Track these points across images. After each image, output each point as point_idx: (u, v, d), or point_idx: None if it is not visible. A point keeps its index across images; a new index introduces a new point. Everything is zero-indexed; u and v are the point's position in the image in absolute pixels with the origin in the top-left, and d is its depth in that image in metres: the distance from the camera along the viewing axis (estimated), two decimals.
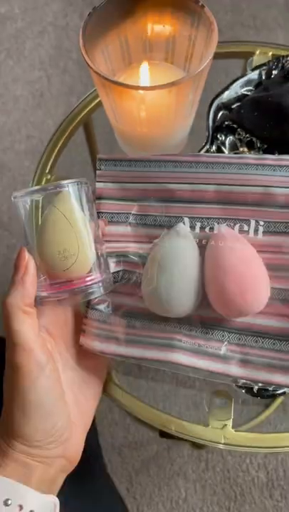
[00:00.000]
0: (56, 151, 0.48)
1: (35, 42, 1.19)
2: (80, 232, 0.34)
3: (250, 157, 0.38)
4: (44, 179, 0.47)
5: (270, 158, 0.37)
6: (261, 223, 0.37)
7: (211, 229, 0.37)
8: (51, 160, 0.47)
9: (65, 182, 0.34)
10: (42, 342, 0.34)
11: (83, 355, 0.38)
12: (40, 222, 0.34)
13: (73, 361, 0.38)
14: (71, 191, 0.34)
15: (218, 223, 0.37)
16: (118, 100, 0.37)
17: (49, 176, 0.47)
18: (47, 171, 0.47)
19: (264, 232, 0.37)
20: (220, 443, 0.37)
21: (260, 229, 0.37)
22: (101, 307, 0.38)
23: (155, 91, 0.34)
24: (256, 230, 0.37)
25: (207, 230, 0.37)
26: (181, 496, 0.85)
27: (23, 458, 0.33)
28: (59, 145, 0.48)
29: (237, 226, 0.37)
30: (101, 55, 0.40)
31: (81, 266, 0.34)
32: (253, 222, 0.37)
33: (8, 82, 1.15)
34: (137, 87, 0.34)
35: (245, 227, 0.37)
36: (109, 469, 0.88)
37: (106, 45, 0.40)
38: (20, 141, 1.09)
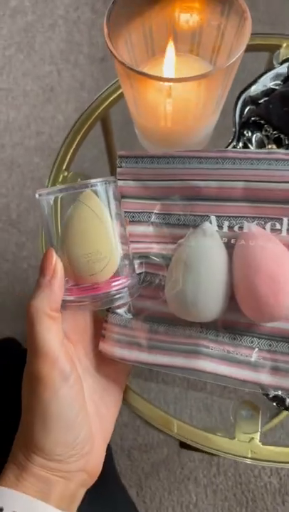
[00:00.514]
0: (74, 146, 0.46)
1: (46, 36, 1.17)
2: (110, 232, 0.32)
3: (281, 152, 0.35)
4: (61, 176, 0.45)
5: None
6: None
7: (240, 228, 0.35)
8: (68, 156, 0.45)
9: (94, 181, 0.32)
10: (66, 350, 0.32)
11: (103, 362, 0.36)
12: (63, 222, 0.32)
13: (93, 368, 0.36)
14: (100, 190, 0.32)
15: (247, 222, 0.35)
16: (142, 93, 0.35)
17: (66, 173, 0.45)
18: (64, 167, 0.45)
19: None
20: (247, 457, 0.35)
21: None
22: (122, 311, 0.36)
23: (183, 84, 0.32)
24: None
25: (236, 229, 0.35)
26: (192, 501, 0.84)
27: (42, 472, 0.31)
28: (76, 140, 0.46)
29: (268, 225, 0.35)
30: (124, 46, 0.38)
31: (110, 269, 0.32)
32: (285, 221, 0.35)
33: (18, 77, 1.13)
34: (165, 79, 0.32)
35: (278, 226, 0.35)
36: (118, 472, 0.87)
37: (129, 35, 0.38)
38: (30, 137, 1.08)
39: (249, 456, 0.35)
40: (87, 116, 0.47)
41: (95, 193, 0.32)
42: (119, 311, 0.36)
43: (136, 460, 0.86)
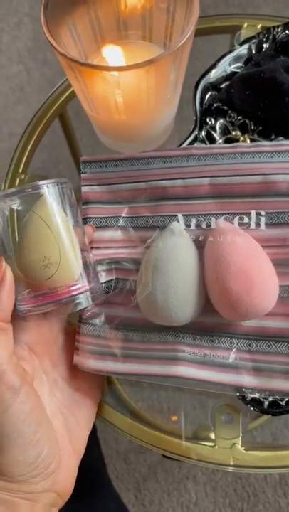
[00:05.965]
0: (30, 147, 0.43)
1: (12, 34, 1.14)
2: (61, 237, 0.30)
3: (245, 145, 0.34)
4: (17, 180, 0.42)
5: (267, 145, 0.33)
6: (262, 214, 0.33)
7: (208, 225, 0.34)
8: (24, 158, 0.43)
9: (42, 183, 0.30)
10: (15, 363, 0.30)
11: (75, 375, 0.35)
12: (18, 231, 0.31)
13: (62, 381, 0.34)
14: (49, 192, 0.30)
15: (215, 218, 0.33)
16: (90, 85, 0.33)
17: (23, 176, 0.42)
18: (20, 170, 0.42)
19: (267, 225, 0.33)
20: (229, 465, 0.33)
21: (262, 220, 0.33)
22: (94, 321, 0.35)
23: (131, 72, 0.30)
24: (258, 223, 0.33)
25: (203, 226, 0.34)
26: (192, 500, 0.82)
27: (4, 496, 0.28)
28: (32, 140, 0.43)
29: (236, 219, 0.33)
30: (69, 36, 0.35)
31: (64, 274, 0.30)
32: (253, 214, 0.33)
33: None
34: (110, 68, 0.30)
35: (246, 219, 0.33)
36: (115, 476, 0.84)
37: (74, 23, 0.35)
38: (2, 140, 1.05)
39: (231, 463, 0.33)
40: (43, 113, 0.45)
41: (45, 195, 0.30)
42: (91, 320, 0.35)
43: (132, 463, 0.84)
